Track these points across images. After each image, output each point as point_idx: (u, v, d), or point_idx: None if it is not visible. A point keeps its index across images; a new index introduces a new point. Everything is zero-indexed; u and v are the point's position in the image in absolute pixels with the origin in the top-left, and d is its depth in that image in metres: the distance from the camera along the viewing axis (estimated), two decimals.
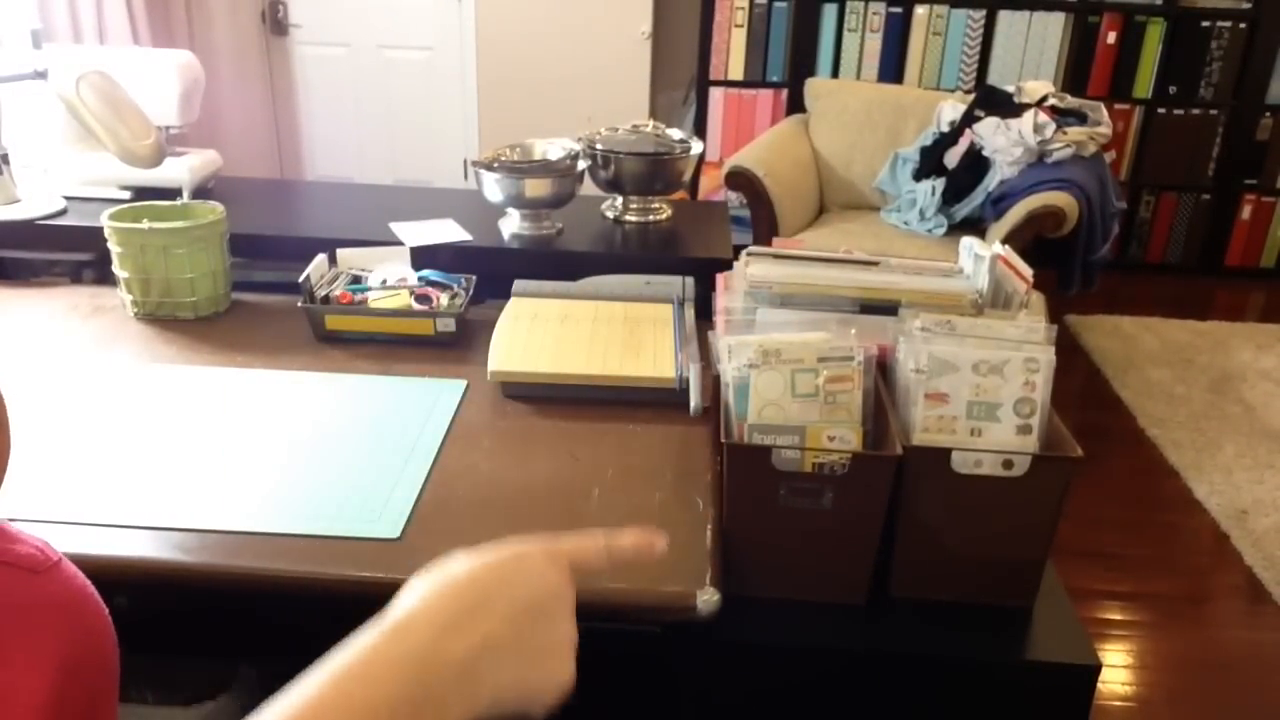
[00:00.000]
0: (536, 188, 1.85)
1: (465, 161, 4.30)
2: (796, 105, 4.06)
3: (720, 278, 1.34)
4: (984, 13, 4.08)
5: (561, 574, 0.55)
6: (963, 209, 3.50)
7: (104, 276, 1.68)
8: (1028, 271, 1.20)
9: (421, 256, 1.72)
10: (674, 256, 1.89)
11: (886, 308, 1.20)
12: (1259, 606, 2.41)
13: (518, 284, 1.66)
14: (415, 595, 0.53)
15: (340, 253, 1.66)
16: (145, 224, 1.54)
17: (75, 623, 0.54)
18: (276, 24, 4.15)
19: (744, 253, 1.29)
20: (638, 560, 0.61)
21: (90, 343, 1.48)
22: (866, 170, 3.79)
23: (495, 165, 1.87)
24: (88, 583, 0.57)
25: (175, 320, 1.56)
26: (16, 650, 0.50)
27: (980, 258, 1.23)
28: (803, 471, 1.05)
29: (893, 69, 4.16)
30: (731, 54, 4.15)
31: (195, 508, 1.07)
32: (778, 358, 1.08)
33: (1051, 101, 3.52)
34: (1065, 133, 3.40)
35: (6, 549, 0.54)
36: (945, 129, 3.61)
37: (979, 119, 3.52)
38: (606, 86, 4.09)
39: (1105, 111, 3.57)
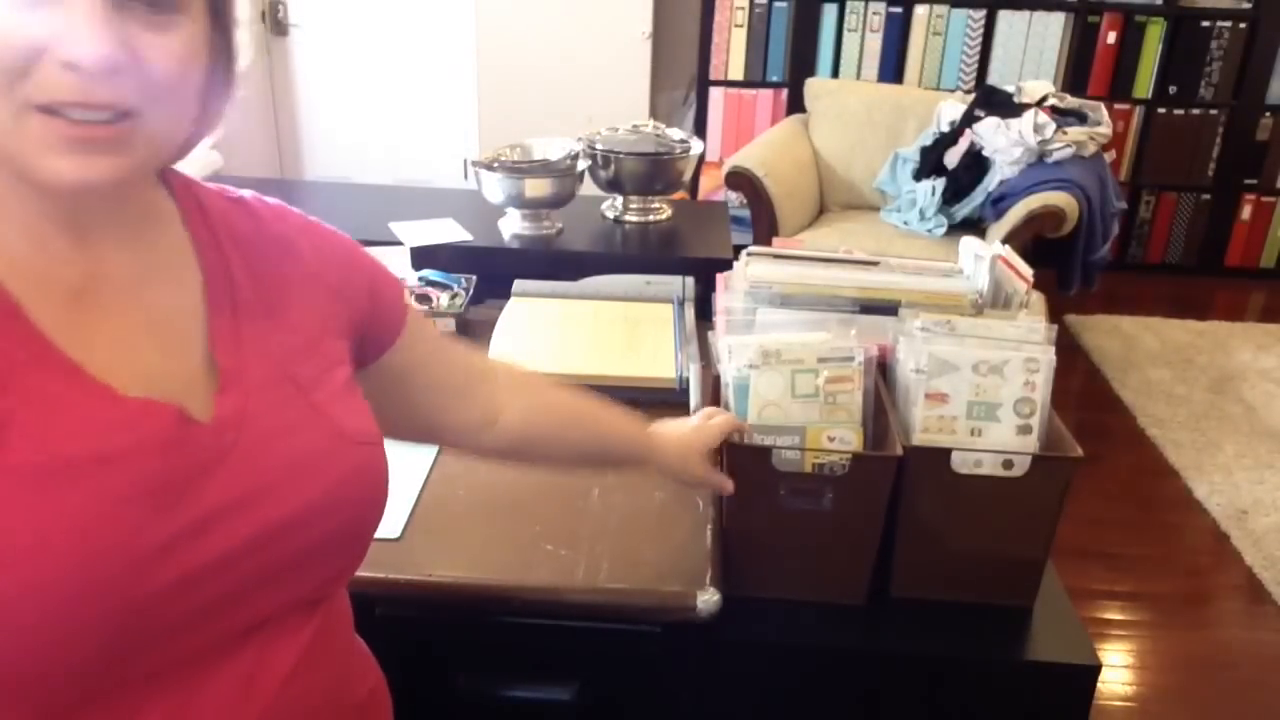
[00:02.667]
0: (536, 188, 1.86)
1: (465, 161, 4.30)
2: (796, 105, 4.06)
3: (720, 278, 1.33)
4: (984, 13, 4.08)
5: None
6: (963, 209, 3.49)
7: None
8: (1028, 271, 1.20)
9: (421, 256, 1.72)
10: (674, 256, 1.89)
11: (886, 308, 1.20)
12: (1259, 606, 2.41)
13: (518, 284, 1.66)
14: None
15: None
16: None
17: None
18: (276, 24, 4.15)
19: (744, 253, 1.28)
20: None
21: None
22: (866, 170, 3.79)
23: (495, 165, 1.87)
24: None
25: None
26: None
27: (980, 258, 1.23)
28: (803, 472, 1.05)
29: (893, 69, 4.16)
30: (731, 54, 4.15)
31: None
32: (778, 358, 1.08)
33: (1051, 101, 3.52)
34: (1065, 133, 3.40)
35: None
36: (945, 129, 3.61)
37: (979, 119, 3.52)
38: (606, 86, 4.08)
39: (1105, 111, 3.57)
